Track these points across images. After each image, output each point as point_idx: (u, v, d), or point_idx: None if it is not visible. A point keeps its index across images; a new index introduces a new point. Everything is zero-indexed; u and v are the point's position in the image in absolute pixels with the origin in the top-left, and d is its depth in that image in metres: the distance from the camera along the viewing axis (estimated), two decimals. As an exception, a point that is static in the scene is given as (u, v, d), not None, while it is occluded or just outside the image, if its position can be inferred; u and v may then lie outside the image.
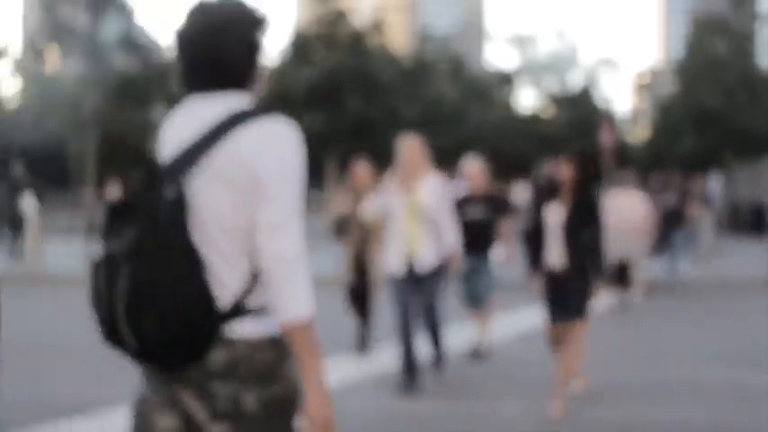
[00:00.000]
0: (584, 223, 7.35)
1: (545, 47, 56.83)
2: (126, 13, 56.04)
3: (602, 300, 15.21)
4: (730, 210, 33.95)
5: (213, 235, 2.79)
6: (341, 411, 7.44)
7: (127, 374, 9.09)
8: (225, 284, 2.78)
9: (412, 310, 8.19)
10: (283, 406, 2.81)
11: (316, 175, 46.68)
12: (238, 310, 2.77)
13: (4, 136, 49.24)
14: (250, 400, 2.77)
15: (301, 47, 49.52)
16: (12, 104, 56.56)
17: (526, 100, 59.24)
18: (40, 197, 20.83)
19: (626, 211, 14.90)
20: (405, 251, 8.21)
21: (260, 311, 2.81)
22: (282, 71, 49.24)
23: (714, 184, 27.54)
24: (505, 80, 55.42)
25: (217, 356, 2.76)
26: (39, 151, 49.59)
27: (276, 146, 2.78)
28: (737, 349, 10.69)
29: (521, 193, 27.30)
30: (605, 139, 26.20)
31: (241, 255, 2.80)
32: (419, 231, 8.21)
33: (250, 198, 2.77)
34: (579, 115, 53.33)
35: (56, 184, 54.34)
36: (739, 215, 33.40)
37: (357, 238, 9.95)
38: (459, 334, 11.16)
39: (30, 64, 54.14)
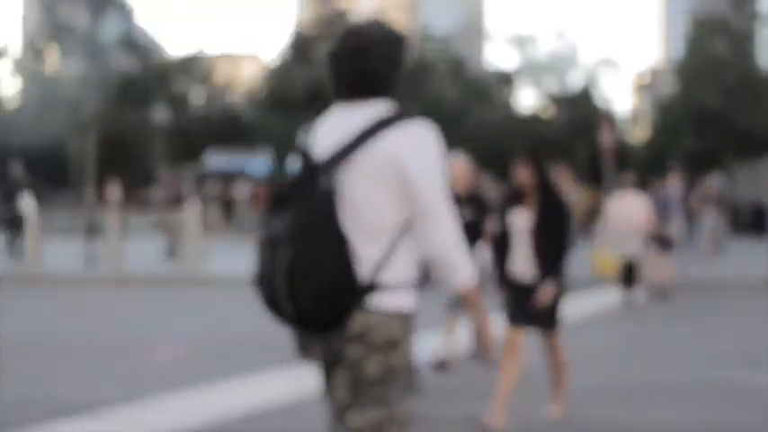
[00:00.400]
0: (552, 227, 6.89)
1: (545, 47, 56.78)
2: (126, 13, 56.05)
3: (607, 299, 15.22)
4: (730, 210, 33.93)
5: (359, 220, 3.30)
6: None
7: (127, 374, 9.09)
8: (366, 262, 3.29)
9: None
10: (398, 374, 3.34)
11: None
12: (376, 285, 3.29)
13: (4, 136, 49.21)
14: (372, 364, 3.31)
15: (301, 47, 49.51)
16: (12, 104, 56.54)
17: (526, 100, 59.11)
18: (40, 197, 20.81)
19: (628, 212, 14.97)
20: None
21: (394, 287, 3.32)
22: (282, 71, 49.22)
23: (718, 184, 27.46)
24: (505, 80, 55.36)
25: (354, 323, 3.30)
26: (39, 151, 49.53)
27: (422, 146, 3.33)
28: (737, 349, 10.68)
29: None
30: (605, 139, 26.20)
31: (381, 237, 3.31)
32: None
33: (395, 190, 3.30)
34: (579, 115, 53.28)
35: (56, 184, 54.30)
36: (739, 215, 33.41)
37: None
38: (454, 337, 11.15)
39: (30, 64, 54.13)
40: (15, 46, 54.92)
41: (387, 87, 3.42)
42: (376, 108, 3.38)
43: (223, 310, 14.17)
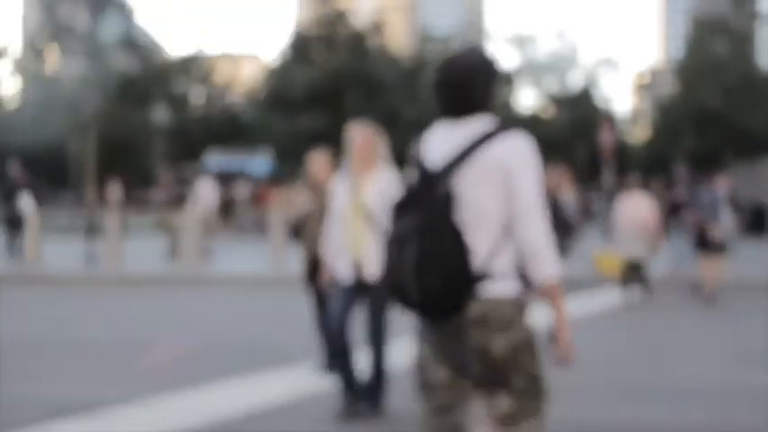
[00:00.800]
0: None
1: (545, 47, 56.86)
2: (126, 13, 56.11)
3: (608, 299, 15.22)
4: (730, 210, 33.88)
5: (472, 218, 3.83)
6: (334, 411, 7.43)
7: (127, 374, 9.09)
8: (479, 254, 3.80)
9: (349, 322, 7.18)
10: (524, 346, 3.84)
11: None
12: (487, 274, 3.79)
13: (4, 136, 49.20)
14: (498, 344, 3.81)
15: (301, 47, 49.51)
16: (12, 104, 56.56)
17: (526, 100, 59.13)
18: (39, 197, 20.80)
19: (635, 213, 15.02)
20: (352, 257, 7.15)
21: (504, 275, 3.82)
22: (282, 71, 49.21)
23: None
24: (505, 80, 55.38)
25: (472, 309, 3.80)
26: (39, 151, 49.54)
27: (522, 154, 3.86)
28: (737, 349, 10.68)
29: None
30: (605, 139, 26.22)
31: (491, 232, 3.83)
32: (367, 235, 7.08)
33: (501, 191, 3.83)
34: (579, 115, 53.33)
35: (56, 184, 54.31)
36: (739, 215, 33.38)
37: (313, 241, 8.51)
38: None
39: (30, 64, 54.18)
40: (15, 46, 54.95)
41: (487, 105, 3.96)
42: (480, 123, 3.94)
43: (223, 311, 14.17)
